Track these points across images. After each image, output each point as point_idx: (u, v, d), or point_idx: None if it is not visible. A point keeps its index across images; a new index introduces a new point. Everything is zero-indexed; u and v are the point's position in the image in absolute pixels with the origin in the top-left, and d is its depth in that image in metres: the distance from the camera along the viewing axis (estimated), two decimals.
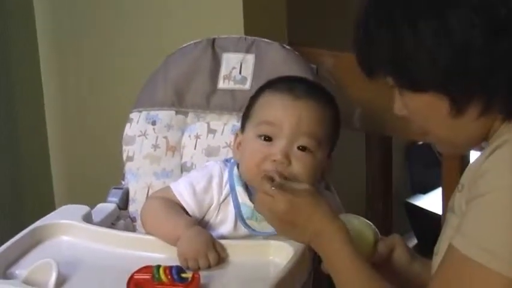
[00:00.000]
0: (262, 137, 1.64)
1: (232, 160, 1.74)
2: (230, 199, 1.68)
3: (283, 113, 1.64)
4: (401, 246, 1.58)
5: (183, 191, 1.69)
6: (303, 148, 1.63)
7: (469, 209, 1.25)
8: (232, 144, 1.82)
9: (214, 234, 1.65)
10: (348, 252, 1.43)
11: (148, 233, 1.67)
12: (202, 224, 1.68)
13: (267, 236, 1.63)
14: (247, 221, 1.66)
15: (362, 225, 1.57)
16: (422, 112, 1.34)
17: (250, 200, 1.66)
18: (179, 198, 1.69)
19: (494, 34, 1.24)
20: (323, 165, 1.68)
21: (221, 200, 1.69)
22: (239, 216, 1.66)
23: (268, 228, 1.61)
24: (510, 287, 1.19)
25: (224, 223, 1.68)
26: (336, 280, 1.44)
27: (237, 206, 1.66)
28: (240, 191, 1.67)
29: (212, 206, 1.69)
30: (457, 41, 1.25)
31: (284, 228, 1.49)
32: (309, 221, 1.46)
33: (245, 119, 1.73)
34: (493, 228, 1.21)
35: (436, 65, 1.26)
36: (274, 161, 1.61)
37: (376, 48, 1.32)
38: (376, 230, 1.58)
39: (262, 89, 1.73)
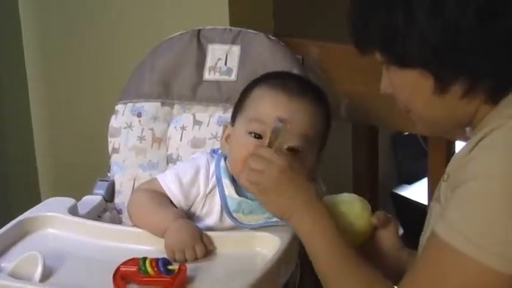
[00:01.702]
0: (253, 134, 1.62)
1: (219, 151, 1.73)
2: (216, 191, 1.67)
3: (275, 112, 1.60)
4: (395, 227, 1.58)
5: (169, 182, 1.68)
6: (292, 149, 1.61)
7: (453, 196, 1.26)
8: (219, 136, 1.82)
9: (200, 225, 1.64)
10: (329, 233, 1.43)
11: (135, 225, 1.67)
12: (188, 215, 1.67)
13: (253, 229, 1.63)
14: (234, 214, 1.65)
15: (354, 201, 1.57)
16: (407, 89, 1.35)
17: (237, 192, 1.65)
18: (166, 189, 1.68)
19: (487, 15, 1.24)
20: (312, 165, 1.66)
21: (207, 191, 1.68)
22: (225, 208, 1.65)
23: (254, 221, 1.61)
24: (486, 275, 1.19)
25: (210, 215, 1.68)
26: (314, 259, 1.44)
27: (224, 199, 1.66)
28: (226, 183, 1.66)
29: (198, 198, 1.68)
30: (448, 19, 1.24)
31: (272, 193, 1.48)
32: (298, 192, 1.47)
33: (236, 112, 1.71)
34: (474, 216, 1.21)
35: (425, 41, 1.26)
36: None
37: (367, 20, 1.32)
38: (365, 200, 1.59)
39: (255, 83, 1.71)
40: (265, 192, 1.50)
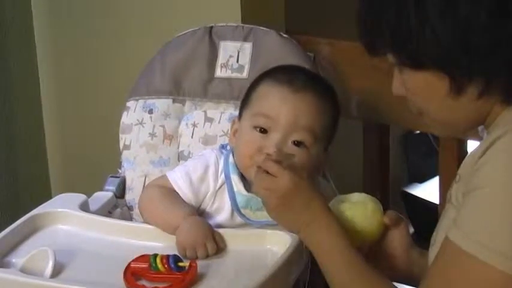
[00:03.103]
0: (258, 129, 1.63)
1: (228, 147, 1.73)
2: (226, 188, 1.67)
3: (280, 106, 1.62)
4: (406, 226, 1.58)
5: (179, 180, 1.69)
6: (297, 143, 1.61)
7: (466, 202, 1.25)
8: (229, 131, 1.82)
9: (211, 222, 1.64)
10: (339, 244, 1.43)
11: (146, 221, 1.67)
12: (198, 212, 1.67)
13: (262, 226, 1.63)
14: (242, 210, 1.65)
15: (365, 201, 1.57)
16: (421, 91, 1.33)
17: (245, 188, 1.65)
18: (175, 187, 1.68)
19: (500, 14, 1.23)
20: (318, 160, 1.66)
21: (217, 188, 1.68)
22: (234, 205, 1.66)
23: (263, 218, 1.61)
24: (504, 281, 1.18)
25: (220, 212, 1.68)
26: (326, 272, 1.43)
27: (232, 195, 1.66)
28: (235, 179, 1.66)
29: (208, 195, 1.68)
30: (461, 19, 1.23)
31: (279, 210, 1.48)
32: (306, 207, 1.45)
33: (243, 106, 1.72)
34: (488, 222, 1.20)
35: (438, 42, 1.25)
36: (268, 154, 1.59)
37: (378, 21, 1.30)
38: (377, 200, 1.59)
39: (261, 78, 1.71)
40: (271, 209, 1.50)
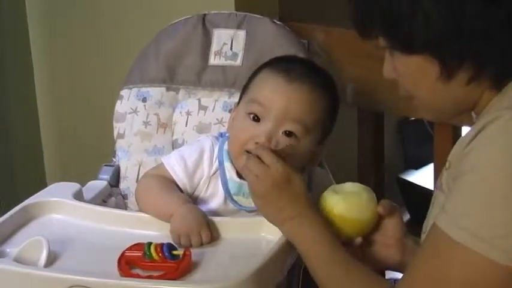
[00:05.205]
0: (251, 116, 1.62)
1: (226, 134, 1.73)
2: (219, 174, 1.67)
3: (274, 95, 1.61)
4: (400, 215, 1.58)
5: (174, 164, 1.69)
6: (288, 133, 1.60)
7: (453, 187, 1.25)
8: (224, 121, 1.82)
9: (205, 208, 1.65)
10: (322, 240, 1.43)
11: (142, 210, 1.66)
12: (193, 197, 1.68)
13: (254, 212, 1.63)
14: (235, 197, 1.65)
15: (360, 191, 1.56)
16: (412, 75, 1.33)
17: (238, 175, 1.65)
18: (170, 171, 1.68)
19: (493, 0, 1.23)
20: (311, 152, 1.66)
21: (211, 173, 1.68)
22: (226, 191, 1.66)
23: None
24: (487, 267, 1.18)
25: (214, 197, 1.68)
26: (310, 266, 1.44)
27: (225, 181, 1.66)
28: (228, 166, 1.66)
29: (202, 180, 1.68)
30: (454, 4, 1.23)
31: (265, 199, 1.49)
32: (292, 201, 1.47)
33: (242, 94, 1.72)
34: (473, 208, 1.20)
35: (430, 26, 1.25)
36: (257, 143, 1.59)
37: (370, 3, 1.30)
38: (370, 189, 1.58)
39: (262, 66, 1.71)
40: (257, 197, 1.51)
